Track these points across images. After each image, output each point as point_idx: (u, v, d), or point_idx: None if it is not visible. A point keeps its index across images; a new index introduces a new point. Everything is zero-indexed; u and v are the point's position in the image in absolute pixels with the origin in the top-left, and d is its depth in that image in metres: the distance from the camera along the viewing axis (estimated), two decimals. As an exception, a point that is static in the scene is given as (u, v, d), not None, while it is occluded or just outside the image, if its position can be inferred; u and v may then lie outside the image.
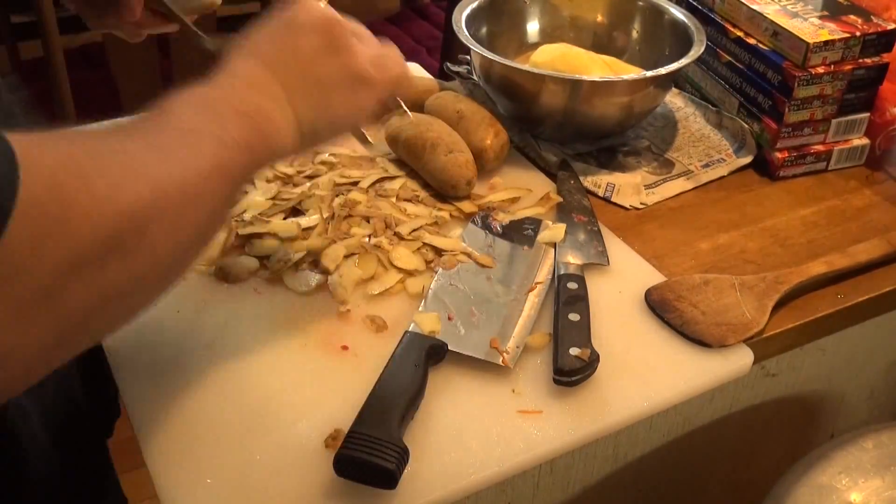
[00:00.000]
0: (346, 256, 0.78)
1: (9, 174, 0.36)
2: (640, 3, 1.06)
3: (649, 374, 0.69)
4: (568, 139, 0.98)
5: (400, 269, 0.77)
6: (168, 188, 0.45)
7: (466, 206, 0.86)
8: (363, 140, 0.69)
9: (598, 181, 0.92)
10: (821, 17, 0.94)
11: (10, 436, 0.60)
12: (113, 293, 0.42)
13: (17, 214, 0.36)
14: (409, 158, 0.89)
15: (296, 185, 0.87)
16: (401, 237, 0.81)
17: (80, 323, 0.41)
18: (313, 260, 0.78)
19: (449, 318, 0.72)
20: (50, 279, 0.38)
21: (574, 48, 1.01)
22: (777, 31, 0.93)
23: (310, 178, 0.89)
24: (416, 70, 1.14)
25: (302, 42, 0.60)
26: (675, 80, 1.03)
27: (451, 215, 0.85)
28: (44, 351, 0.40)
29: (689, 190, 0.93)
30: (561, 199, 0.88)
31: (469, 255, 0.79)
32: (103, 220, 0.40)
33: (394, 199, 0.86)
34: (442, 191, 0.87)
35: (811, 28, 0.92)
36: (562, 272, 0.77)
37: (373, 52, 0.64)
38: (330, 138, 0.63)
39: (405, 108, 0.71)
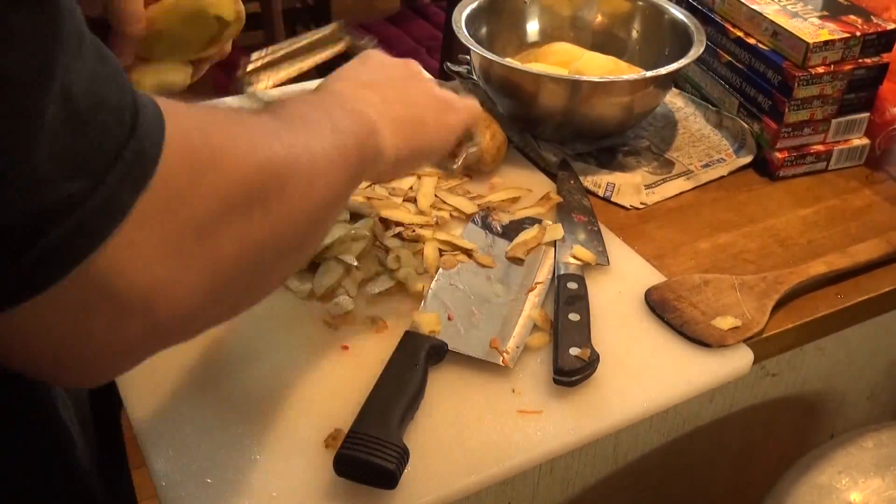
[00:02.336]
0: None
1: (158, 115, 0.38)
2: (640, 3, 1.06)
3: (649, 374, 0.69)
4: (568, 139, 0.98)
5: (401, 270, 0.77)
6: (300, 154, 0.47)
7: (466, 206, 0.86)
8: (446, 166, 0.73)
9: (598, 181, 0.92)
10: (821, 17, 0.94)
11: (60, 424, 0.60)
12: (258, 247, 0.44)
13: (173, 152, 0.38)
14: None
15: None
16: (402, 238, 0.81)
17: (231, 272, 0.43)
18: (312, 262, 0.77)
19: (449, 318, 0.72)
20: (205, 217, 0.40)
21: (579, 50, 1.02)
22: (777, 31, 0.93)
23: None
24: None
25: (385, 71, 0.65)
26: (675, 80, 1.03)
27: (451, 215, 0.85)
28: (200, 295, 0.41)
29: (689, 190, 0.93)
30: (561, 199, 0.88)
31: (469, 255, 0.79)
32: (248, 168, 0.43)
33: (397, 199, 0.86)
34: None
35: (811, 28, 0.92)
36: (562, 272, 0.77)
37: (452, 97, 0.69)
38: (423, 158, 0.67)
39: (478, 138, 0.75)
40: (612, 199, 0.90)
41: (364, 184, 0.88)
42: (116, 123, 0.36)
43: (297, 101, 0.54)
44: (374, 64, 0.66)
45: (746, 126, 0.99)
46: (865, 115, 0.96)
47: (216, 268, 0.41)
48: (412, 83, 0.66)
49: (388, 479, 0.58)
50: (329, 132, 0.52)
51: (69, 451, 0.61)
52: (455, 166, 0.73)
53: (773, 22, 0.94)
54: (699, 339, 0.72)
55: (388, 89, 0.62)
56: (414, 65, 0.68)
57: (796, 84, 0.91)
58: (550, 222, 0.84)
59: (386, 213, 0.83)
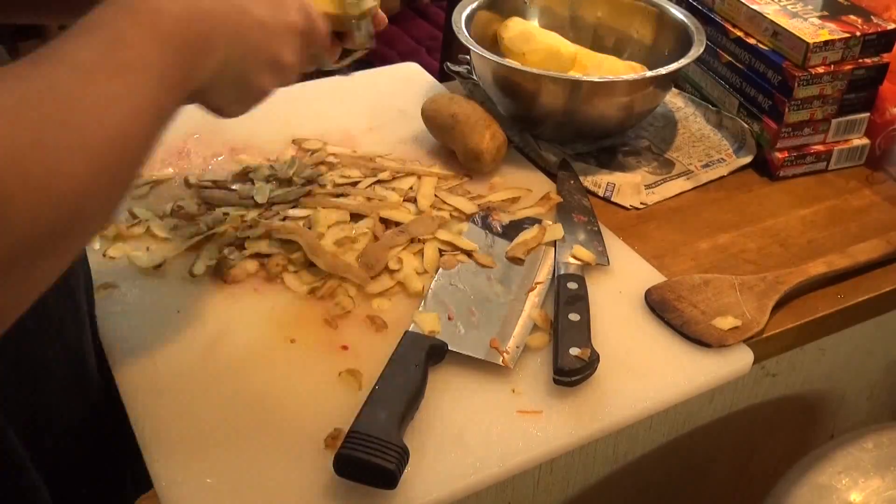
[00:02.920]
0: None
1: None
2: (640, 3, 1.06)
3: (649, 374, 0.69)
4: (568, 139, 0.98)
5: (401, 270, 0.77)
6: (106, 157, 0.41)
7: (466, 206, 0.86)
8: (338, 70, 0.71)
9: (598, 181, 0.92)
10: (821, 17, 0.94)
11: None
12: (42, 281, 0.40)
13: None
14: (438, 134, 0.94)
15: (292, 185, 0.87)
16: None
17: (5, 310, 0.39)
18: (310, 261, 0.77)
19: (449, 318, 0.72)
20: None
21: (542, 31, 1.03)
22: (777, 31, 0.93)
23: (309, 180, 0.89)
24: (415, 70, 1.15)
25: (254, 8, 0.56)
26: (675, 80, 1.03)
27: (451, 215, 0.85)
28: None
29: (689, 190, 0.93)
30: (561, 199, 0.88)
31: (469, 255, 0.79)
32: (41, 212, 0.37)
33: (397, 199, 0.86)
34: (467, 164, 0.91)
35: (811, 28, 0.92)
36: (562, 272, 0.77)
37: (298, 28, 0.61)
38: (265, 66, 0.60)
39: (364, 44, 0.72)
40: (612, 199, 0.90)
41: (364, 184, 0.88)
42: None
43: (69, 38, 0.44)
44: None
45: (746, 126, 0.99)
46: (865, 115, 0.96)
47: None
48: (265, 38, 0.57)
49: (388, 479, 0.58)
50: (150, 90, 0.45)
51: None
52: (342, 62, 0.70)
53: (773, 22, 0.94)
54: (699, 339, 0.72)
55: (233, 32, 0.54)
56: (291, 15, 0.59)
57: (796, 84, 0.91)
58: (550, 222, 0.84)
59: (386, 214, 0.83)
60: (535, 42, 1.00)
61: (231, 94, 0.59)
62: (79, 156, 0.40)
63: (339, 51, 0.72)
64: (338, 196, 0.86)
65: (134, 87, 0.44)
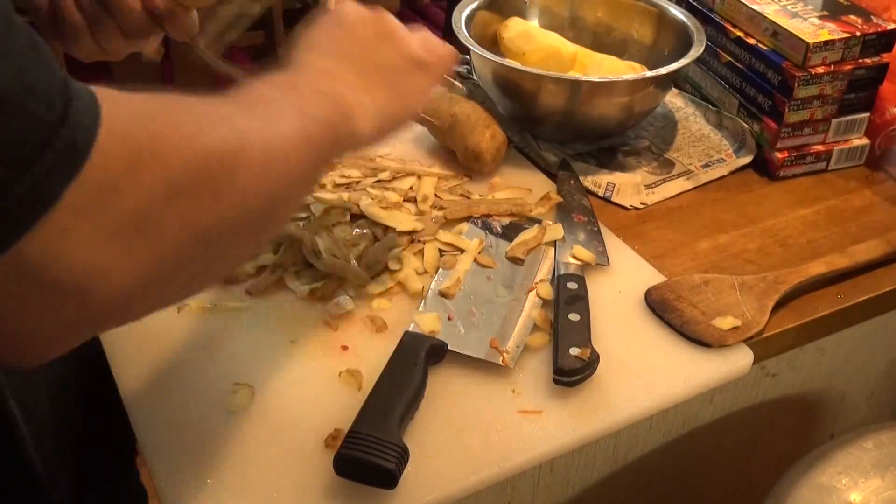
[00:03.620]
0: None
1: (93, 104, 0.38)
2: (640, 3, 1.06)
3: (649, 374, 0.69)
4: (568, 139, 0.98)
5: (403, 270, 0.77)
6: (253, 140, 0.45)
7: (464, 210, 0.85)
8: (424, 121, 0.71)
9: (598, 181, 0.92)
10: (821, 17, 0.94)
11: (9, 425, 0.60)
12: (207, 232, 0.43)
13: (108, 139, 0.37)
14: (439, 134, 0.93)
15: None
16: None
17: (177, 257, 0.42)
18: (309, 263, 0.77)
19: (449, 318, 0.72)
20: (145, 205, 0.39)
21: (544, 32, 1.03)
22: (777, 31, 0.93)
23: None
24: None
25: (357, 35, 0.62)
26: (675, 80, 1.03)
27: (446, 218, 0.85)
28: (144, 281, 0.41)
29: (689, 190, 0.93)
30: (561, 199, 0.88)
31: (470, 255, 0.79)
32: (192, 154, 0.41)
33: (397, 199, 0.86)
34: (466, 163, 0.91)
35: (811, 28, 0.92)
36: (562, 272, 0.77)
37: (417, 37, 0.66)
38: (402, 123, 0.65)
39: (455, 82, 0.73)
40: (612, 199, 0.90)
41: (365, 184, 0.88)
42: (46, 111, 0.36)
43: (264, 84, 0.52)
44: (348, 25, 0.63)
45: (746, 126, 0.99)
46: (865, 115, 0.96)
47: (160, 255, 0.41)
48: (382, 46, 0.63)
49: (388, 479, 0.58)
50: (294, 117, 0.50)
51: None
52: (435, 121, 0.71)
53: (773, 22, 0.94)
54: (699, 339, 0.72)
55: (363, 59, 0.60)
56: (387, 19, 0.66)
57: (796, 84, 0.91)
58: (550, 222, 0.84)
59: (386, 220, 0.82)
60: (535, 42, 1.00)
61: (392, 100, 0.62)
62: (228, 128, 0.45)
63: None
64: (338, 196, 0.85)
65: (280, 113, 0.50)
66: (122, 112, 0.39)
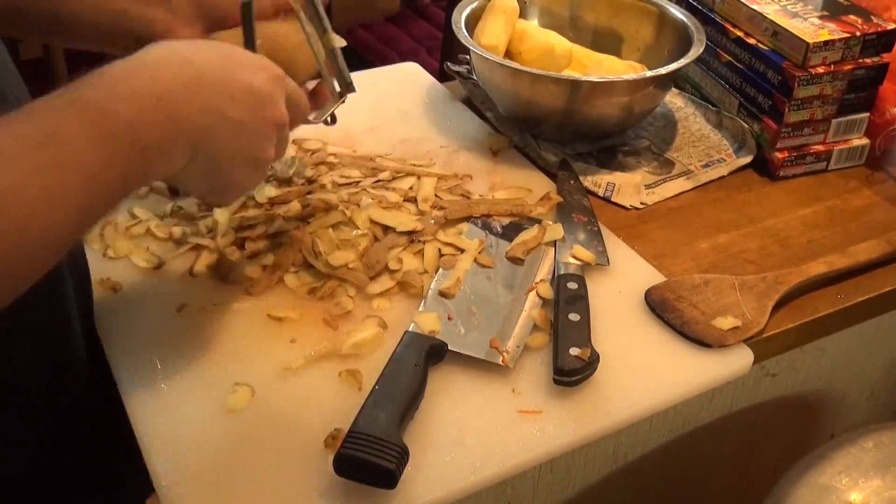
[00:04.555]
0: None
1: None
2: (640, 3, 1.06)
3: (649, 374, 0.69)
4: (568, 139, 0.98)
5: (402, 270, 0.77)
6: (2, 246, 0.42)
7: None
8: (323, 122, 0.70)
9: (598, 181, 0.92)
10: (821, 17, 0.94)
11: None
12: None
13: None
14: None
15: (293, 185, 0.87)
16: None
17: None
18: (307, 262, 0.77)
19: (449, 318, 0.72)
20: None
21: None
22: (777, 31, 0.93)
23: (309, 180, 0.89)
24: (415, 70, 1.15)
25: (230, 110, 0.55)
26: (675, 80, 1.03)
27: (446, 219, 0.85)
28: None
29: (689, 190, 0.93)
30: (561, 199, 0.88)
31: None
32: None
33: (397, 199, 0.86)
34: None
35: (811, 28, 0.92)
36: (562, 272, 0.77)
37: (283, 115, 0.60)
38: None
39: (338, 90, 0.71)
40: (612, 199, 0.90)
41: (365, 184, 0.88)
42: None
43: (13, 116, 0.45)
44: (224, 81, 0.55)
45: (746, 126, 0.99)
46: (865, 115, 0.96)
47: None
48: (242, 137, 0.56)
49: (388, 479, 0.58)
50: (81, 198, 0.45)
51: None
52: (321, 118, 0.69)
53: (773, 22, 0.94)
54: (699, 339, 0.72)
55: (211, 130, 0.54)
56: (268, 109, 0.57)
57: (796, 84, 0.91)
58: (550, 222, 0.84)
59: (386, 220, 0.82)
60: (530, 41, 1.00)
61: (203, 188, 0.58)
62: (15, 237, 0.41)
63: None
64: (338, 196, 0.86)
65: (53, 183, 0.44)
66: None
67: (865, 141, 0.97)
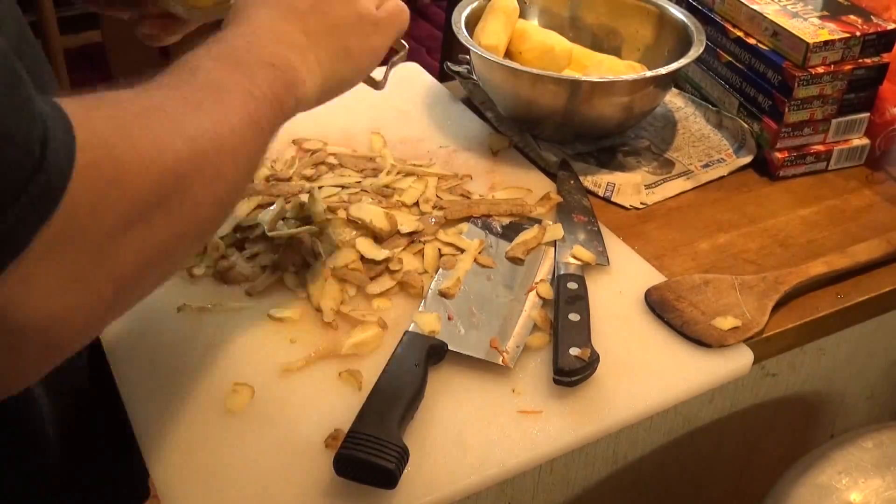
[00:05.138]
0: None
1: (67, 140, 0.37)
2: (640, 3, 1.06)
3: (649, 374, 0.69)
4: (568, 139, 0.98)
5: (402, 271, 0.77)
6: (205, 145, 0.45)
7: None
8: (373, 83, 0.70)
9: (598, 181, 0.92)
10: (821, 17, 0.94)
11: (22, 425, 0.60)
12: (160, 250, 0.43)
13: (77, 177, 0.37)
14: None
15: (293, 185, 0.87)
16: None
17: (133, 280, 0.42)
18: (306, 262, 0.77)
19: (449, 318, 0.72)
20: (106, 238, 0.39)
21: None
22: (777, 31, 0.93)
23: (308, 179, 0.89)
24: (415, 70, 1.15)
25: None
26: (675, 80, 1.03)
27: (446, 218, 0.85)
28: (102, 308, 0.41)
29: (689, 190, 0.93)
30: (561, 199, 0.88)
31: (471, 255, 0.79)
32: (151, 178, 0.41)
33: (398, 199, 0.86)
34: None
35: (811, 28, 0.92)
36: (562, 272, 0.77)
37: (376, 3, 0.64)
38: (350, 84, 0.64)
39: (406, 45, 0.71)
40: (612, 199, 0.90)
41: (365, 184, 0.88)
42: (24, 156, 0.35)
43: (211, 59, 0.51)
44: None
45: (746, 126, 0.99)
46: (865, 115, 0.96)
47: (118, 282, 0.41)
48: (336, 3, 0.61)
49: (388, 479, 0.58)
50: (242, 102, 0.50)
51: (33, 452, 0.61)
52: (381, 81, 0.70)
53: (773, 22, 0.94)
54: (699, 339, 0.72)
55: (312, 17, 0.58)
56: None
57: (796, 84, 0.91)
58: (550, 222, 0.84)
59: (386, 220, 0.82)
60: (529, 40, 1.00)
61: (345, 64, 0.61)
62: (182, 139, 0.44)
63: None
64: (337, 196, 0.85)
65: (228, 102, 0.49)
66: (90, 138, 0.38)
67: (865, 141, 0.97)
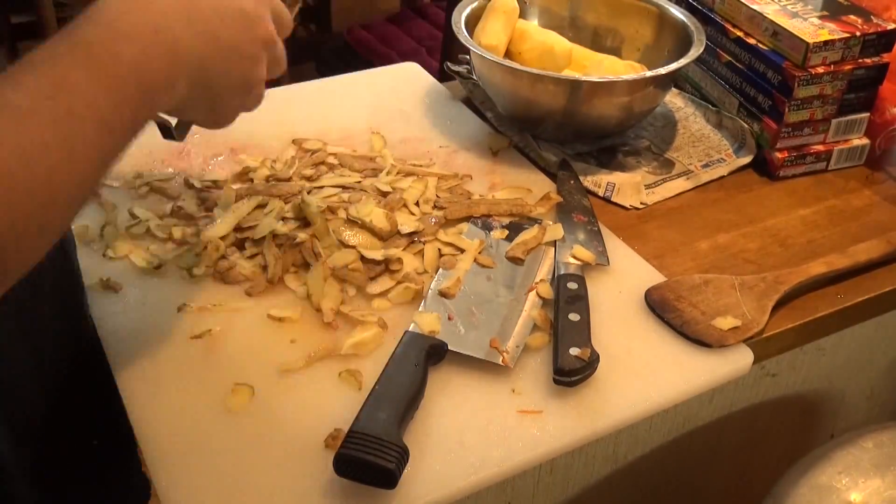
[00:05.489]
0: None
1: None
2: (640, 3, 1.06)
3: (649, 374, 0.69)
4: (568, 139, 0.98)
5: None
6: (28, 205, 0.42)
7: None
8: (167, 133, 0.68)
9: (598, 181, 0.92)
10: (821, 17, 0.94)
11: None
12: None
13: None
14: None
15: (291, 182, 0.87)
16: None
17: None
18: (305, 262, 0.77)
19: (449, 318, 0.72)
20: None
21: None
22: (777, 31, 0.93)
23: (308, 179, 0.89)
24: (415, 70, 1.15)
25: (223, 33, 0.56)
26: (675, 80, 1.03)
27: (446, 219, 0.85)
28: None
29: (689, 190, 0.93)
30: (561, 199, 0.88)
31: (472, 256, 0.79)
32: None
33: (398, 199, 0.86)
34: None
35: (811, 28, 0.92)
36: (562, 272, 0.77)
37: (273, 38, 0.61)
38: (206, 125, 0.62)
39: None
40: (612, 199, 0.90)
41: (365, 184, 0.88)
42: None
43: (14, 74, 0.45)
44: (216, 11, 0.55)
45: (746, 126, 0.99)
46: (865, 115, 0.96)
47: None
48: (238, 63, 0.57)
49: (388, 479, 0.58)
50: (95, 135, 0.45)
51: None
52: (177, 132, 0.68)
53: (773, 22, 0.94)
54: (699, 339, 0.72)
55: (206, 60, 0.55)
56: (260, 29, 0.58)
57: (796, 84, 0.91)
58: (550, 222, 0.84)
59: (386, 220, 0.82)
60: (529, 40, 1.00)
61: (202, 114, 0.59)
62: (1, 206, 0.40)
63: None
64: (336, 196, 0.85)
65: (71, 133, 0.45)
66: None
67: (865, 141, 0.97)
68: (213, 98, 0.58)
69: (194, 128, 0.66)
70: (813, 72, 0.91)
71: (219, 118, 0.61)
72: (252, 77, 0.59)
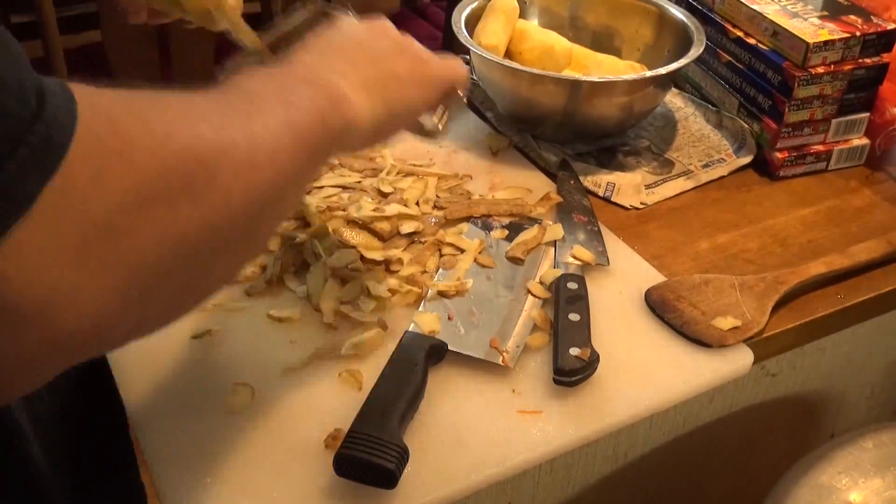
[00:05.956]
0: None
1: (67, 100, 0.35)
2: (640, 3, 1.06)
3: (649, 374, 0.69)
4: (568, 139, 0.98)
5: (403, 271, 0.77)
6: (235, 134, 0.43)
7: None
8: (421, 131, 0.69)
9: (598, 181, 0.92)
10: (821, 17, 0.94)
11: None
12: (187, 241, 0.40)
13: (76, 145, 0.34)
14: None
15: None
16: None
17: (155, 272, 0.39)
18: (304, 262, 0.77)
19: (449, 318, 0.72)
20: (114, 213, 0.36)
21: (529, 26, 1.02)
22: (777, 31, 0.93)
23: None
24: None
25: (356, 32, 0.61)
26: (675, 80, 1.03)
27: (446, 219, 0.85)
28: (118, 301, 0.37)
29: (689, 190, 0.93)
30: (561, 199, 0.88)
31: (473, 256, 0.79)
32: (165, 154, 0.38)
33: (399, 198, 0.86)
34: None
35: (811, 28, 0.92)
36: (562, 272, 0.77)
37: (430, 54, 0.65)
38: (403, 116, 0.63)
39: (464, 97, 0.71)
40: (612, 199, 0.90)
41: (365, 185, 0.88)
42: (19, 105, 0.33)
43: (248, 78, 0.50)
44: (343, 29, 0.61)
45: (746, 126, 0.99)
46: (865, 115, 0.96)
47: (134, 269, 0.37)
48: (383, 40, 0.61)
49: (388, 479, 0.58)
50: (280, 110, 0.47)
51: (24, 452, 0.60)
52: (438, 124, 0.69)
53: (773, 22, 0.94)
54: (699, 339, 0.72)
55: (357, 52, 0.59)
56: (385, 24, 0.64)
57: (796, 84, 0.91)
58: (550, 222, 0.84)
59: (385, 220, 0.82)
60: (529, 40, 1.00)
61: (396, 95, 0.61)
62: (205, 125, 0.42)
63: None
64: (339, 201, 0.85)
65: (261, 105, 0.47)
66: (91, 111, 0.36)
67: (865, 141, 0.97)
68: (398, 86, 0.60)
69: None
70: (813, 72, 0.91)
71: (408, 87, 0.62)
72: (406, 44, 0.63)
